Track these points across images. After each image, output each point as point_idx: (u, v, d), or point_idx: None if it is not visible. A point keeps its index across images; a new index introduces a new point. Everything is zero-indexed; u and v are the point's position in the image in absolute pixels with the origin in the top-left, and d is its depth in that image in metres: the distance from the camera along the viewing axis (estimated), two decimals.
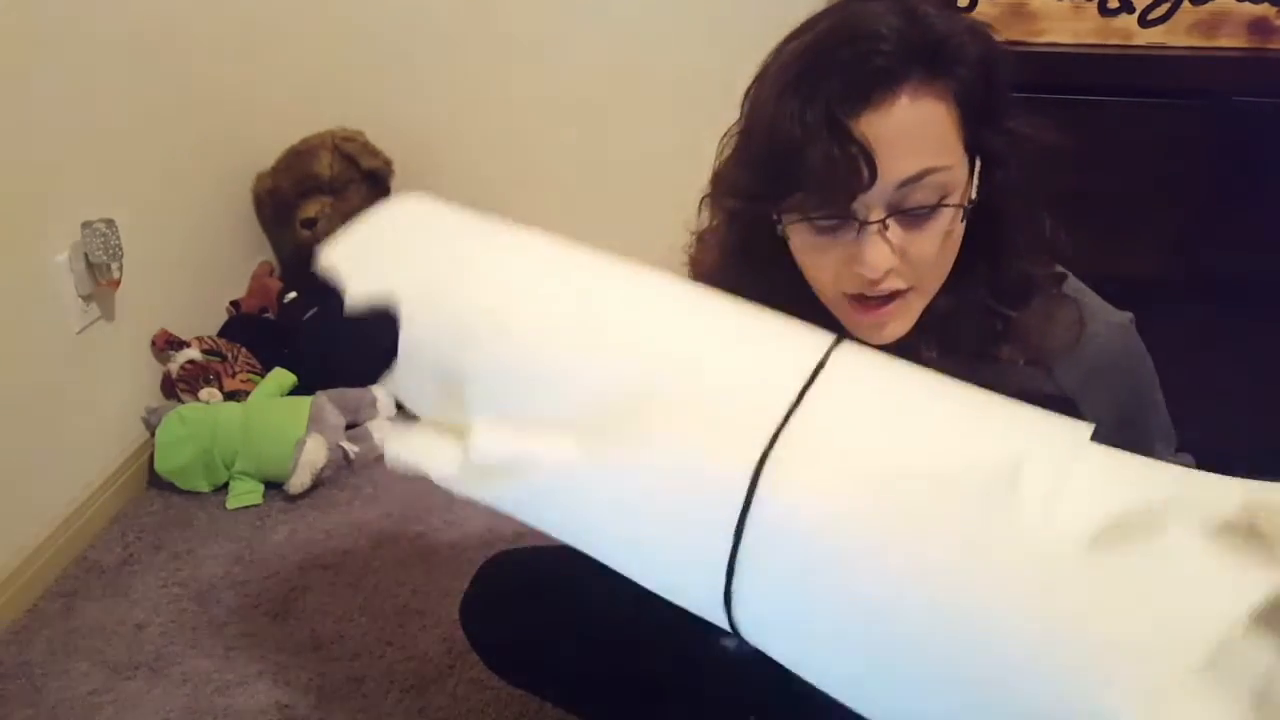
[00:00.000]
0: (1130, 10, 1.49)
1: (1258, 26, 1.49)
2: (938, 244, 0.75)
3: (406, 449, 0.77)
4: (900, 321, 0.79)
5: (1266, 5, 1.47)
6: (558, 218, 2.62)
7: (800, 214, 0.76)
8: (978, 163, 0.76)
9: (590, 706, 1.15)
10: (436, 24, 2.16)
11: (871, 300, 0.77)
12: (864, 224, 0.73)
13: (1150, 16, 1.49)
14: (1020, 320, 0.80)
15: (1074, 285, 0.87)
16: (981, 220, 0.77)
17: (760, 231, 0.80)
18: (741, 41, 2.28)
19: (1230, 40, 1.50)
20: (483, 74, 2.20)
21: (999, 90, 0.76)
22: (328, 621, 1.51)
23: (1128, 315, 0.86)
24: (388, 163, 2.21)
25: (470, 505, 1.85)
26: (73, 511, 1.66)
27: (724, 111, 0.80)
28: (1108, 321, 0.85)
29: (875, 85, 0.70)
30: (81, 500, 1.68)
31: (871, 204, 0.73)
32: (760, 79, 0.77)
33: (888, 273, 0.75)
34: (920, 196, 0.73)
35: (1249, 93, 1.48)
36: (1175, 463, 0.95)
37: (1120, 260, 1.58)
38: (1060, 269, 0.83)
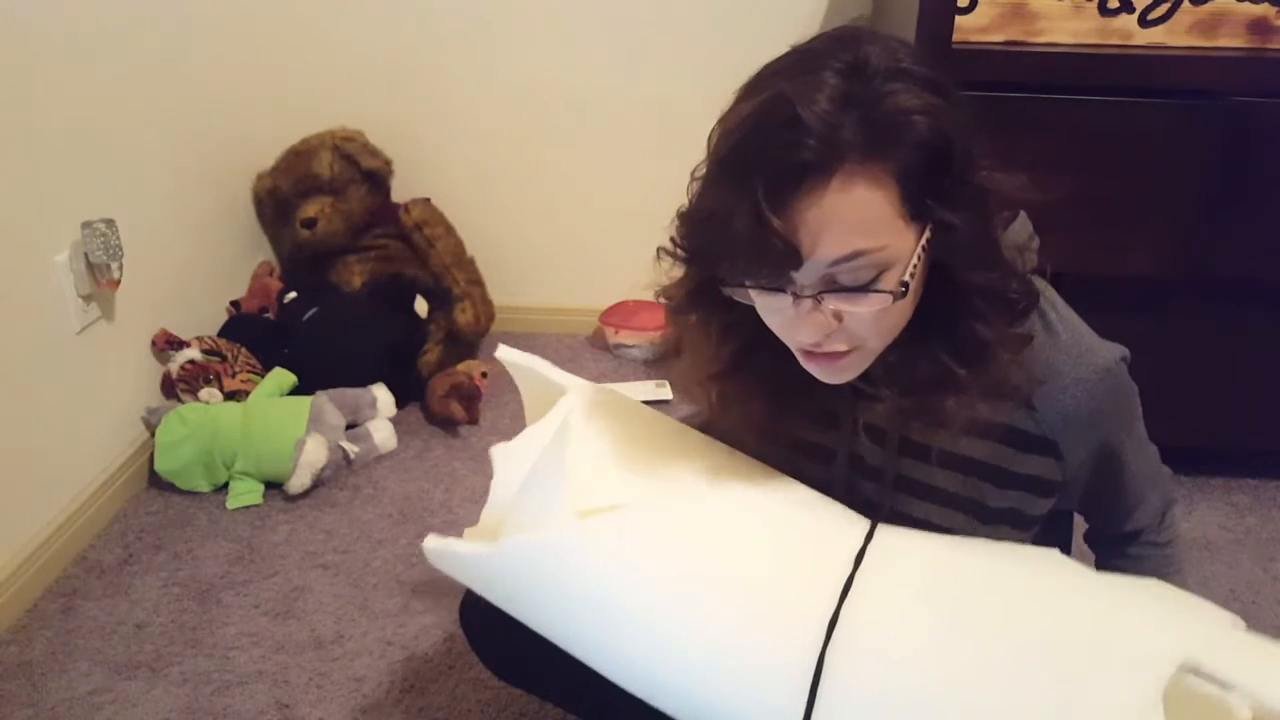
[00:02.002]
0: (1130, 10, 1.49)
1: (1257, 26, 1.49)
2: (874, 316, 0.75)
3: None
4: (850, 372, 0.80)
5: (1266, 5, 1.48)
6: (557, 218, 2.63)
7: (739, 282, 0.76)
8: (926, 232, 0.74)
9: (588, 707, 1.15)
10: (436, 25, 2.16)
11: (817, 353, 0.79)
12: (797, 297, 0.74)
13: (1150, 16, 1.49)
14: (968, 379, 0.79)
15: (1065, 319, 0.85)
16: (939, 280, 0.77)
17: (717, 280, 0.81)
18: (739, 40, 2.28)
19: (1230, 40, 1.50)
20: (482, 75, 2.20)
21: (951, 163, 0.72)
22: (328, 621, 1.51)
23: (1117, 356, 0.85)
24: (387, 163, 2.21)
25: (470, 505, 1.85)
26: (73, 511, 1.66)
27: (719, 112, 0.80)
28: (1094, 366, 0.83)
29: (804, 176, 0.69)
30: (82, 500, 1.68)
31: (804, 280, 0.73)
32: (713, 135, 0.77)
33: (827, 337, 0.76)
34: (852, 276, 0.73)
35: (1249, 93, 1.48)
36: (1160, 488, 0.98)
37: (1120, 260, 1.59)
38: (1024, 333, 0.81)
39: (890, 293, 0.73)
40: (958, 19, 1.49)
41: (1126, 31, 1.50)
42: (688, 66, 2.13)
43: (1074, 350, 0.83)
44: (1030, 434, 0.84)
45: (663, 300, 0.90)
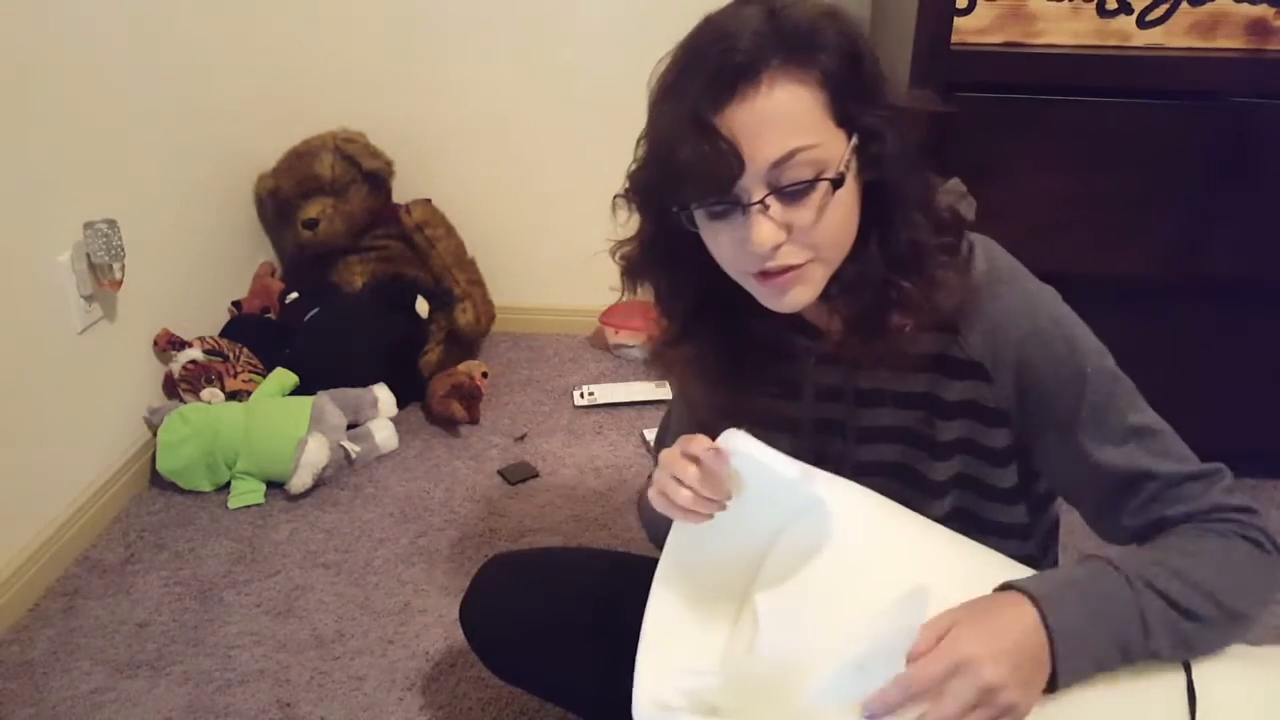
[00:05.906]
0: (1129, 11, 1.50)
1: (1256, 27, 1.49)
2: (816, 216, 0.79)
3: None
4: (802, 288, 0.83)
5: (1265, 6, 1.48)
6: (558, 218, 2.63)
7: (691, 204, 0.82)
8: (854, 138, 0.80)
9: (588, 706, 1.16)
10: (436, 25, 2.17)
11: (772, 271, 0.82)
12: (746, 205, 0.79)
13: (1148, 18, 1.50)
14: (909, 288, 0.84)
15: (1000, 259, 0.88)
16: (872, 193, 0.83)
17: (668, 223, 0.86)
18: None
19: (1228, 41, 1.50)
20: (482, 75, 2.21)
21: (865, 68, 0.80)
22: (329, 620, 1.52)
23: (1041, 284, 0.88)
24: (388, 163, 2.22)
25: (470, 505, 1.85)
26: (75, 511, 1.66)
27: None
28: (1013, 286, 0.86)
29: (737, 79, 0.76)
30: (83, 500, 1.69)
31: (750, 186, 0.78)
32: (653, 85, 0.84)
33: (778, 248, 0.80)
34: (794, 174, 0.78)
35: (1248, 93, 1.48)
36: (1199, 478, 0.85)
37: (1120, 260, 1.59)
38: (953, 240, 0.86)
39: (830, 180, 0.78)
40: (956, 20, 1.50)
41: (1125, 33, 1.51)
42: None
43: (992, 277, 0.86)
44: (958, 359, 0.87)
45: (620, 262, 0.97)
